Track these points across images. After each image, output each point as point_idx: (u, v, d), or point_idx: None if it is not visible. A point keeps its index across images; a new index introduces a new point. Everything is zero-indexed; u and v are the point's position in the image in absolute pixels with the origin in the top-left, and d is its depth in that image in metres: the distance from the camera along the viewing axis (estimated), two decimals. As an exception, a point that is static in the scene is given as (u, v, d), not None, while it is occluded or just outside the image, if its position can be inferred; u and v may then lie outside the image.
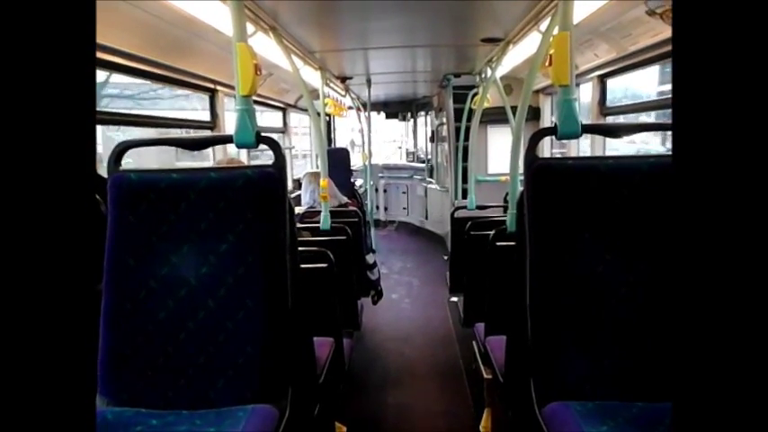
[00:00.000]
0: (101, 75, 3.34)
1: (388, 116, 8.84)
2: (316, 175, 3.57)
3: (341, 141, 8.34)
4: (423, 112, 8.16)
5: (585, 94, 3.19)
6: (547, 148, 4.67)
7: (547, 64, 1.51)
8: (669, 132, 1.61)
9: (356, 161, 6.87)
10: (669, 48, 2.22)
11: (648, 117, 3.06)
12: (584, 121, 1.48)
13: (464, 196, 4.54)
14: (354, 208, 3.78)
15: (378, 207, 8.07)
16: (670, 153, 1.49)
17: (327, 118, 5.96)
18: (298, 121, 5.78)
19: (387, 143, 11.25)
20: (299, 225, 2.88)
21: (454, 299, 3.86)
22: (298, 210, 3.39)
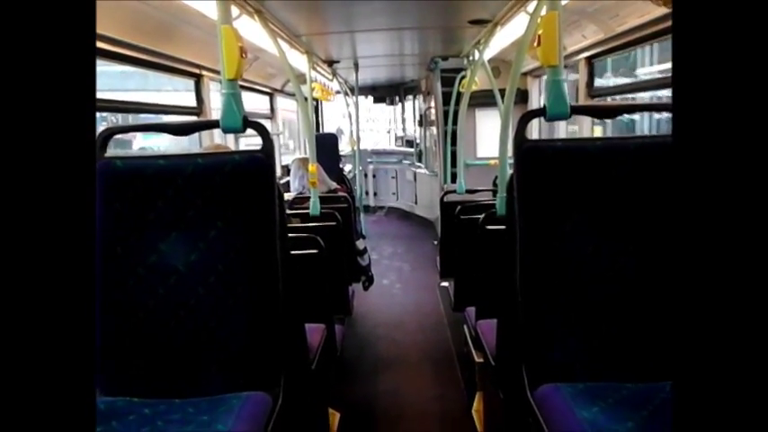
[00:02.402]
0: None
1: (375, 100, 8.79)
2: (304, 161, 3.54)
3: (329, 127, 8.29)
4: (411, 96, 8.11)
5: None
6: (535, 133, 4.66)
7: (535, 44, 1.49)
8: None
9: (345, 146, 6.84)
10: (657, 28, 2.23)
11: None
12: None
13: (453, 180, 4.53)
14: (344, 193, 3.76)
15: (367, 192, 8.05)
16: (656, 134, 1.49)
17: (315, 103, 5.90)
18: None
19: (377, 131, 11.18)
20: (288, 211, 2.86)
21: (445, 283, 3.86)
22: (287, 196, 3.37)
